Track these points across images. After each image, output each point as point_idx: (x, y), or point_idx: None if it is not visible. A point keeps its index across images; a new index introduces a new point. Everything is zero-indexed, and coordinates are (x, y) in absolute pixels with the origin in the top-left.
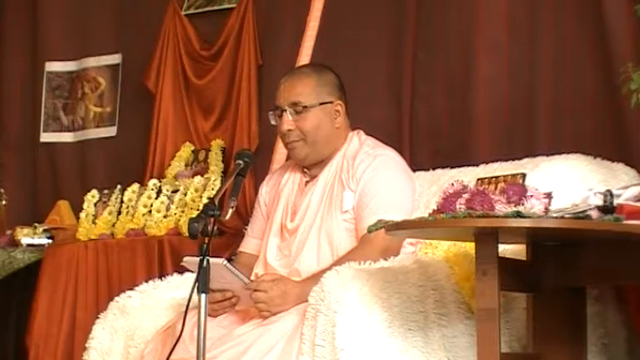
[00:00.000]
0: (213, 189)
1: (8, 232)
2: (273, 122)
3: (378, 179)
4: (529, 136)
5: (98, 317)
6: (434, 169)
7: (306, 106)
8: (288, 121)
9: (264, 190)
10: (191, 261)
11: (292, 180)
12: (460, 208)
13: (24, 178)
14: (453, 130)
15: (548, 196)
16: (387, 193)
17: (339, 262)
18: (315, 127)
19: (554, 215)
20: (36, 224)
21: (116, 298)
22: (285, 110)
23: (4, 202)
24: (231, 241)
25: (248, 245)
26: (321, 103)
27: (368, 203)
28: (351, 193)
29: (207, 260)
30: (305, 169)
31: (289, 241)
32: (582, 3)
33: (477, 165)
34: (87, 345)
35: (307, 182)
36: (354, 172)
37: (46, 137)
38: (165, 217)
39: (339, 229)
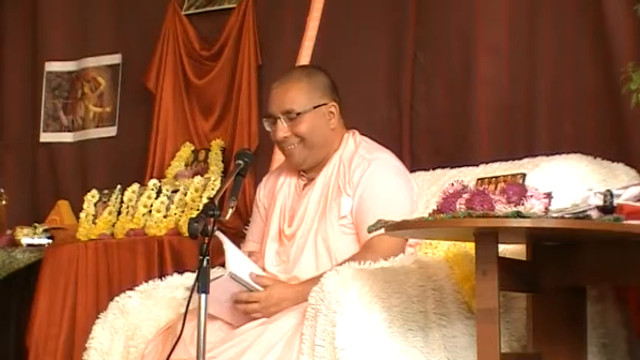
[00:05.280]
0: (213, 189)
1: (8, 232)
2: (267, 129)
3: (376, 185)
4: (529, 136)
5: (98, 317)
6: (434, 169)
7: (299, 113)
8: (282, 128)
9: (262, 193)
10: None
11: (288, 183)
12: (460, 208)
13: (24, 178)
14: (453, 130)
15: (548, 196)
16: (386, 199)
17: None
18: (310, 131)
19: (554, 215)
20: (36, 224)
21: (116, 298)
22: (279, 118)
23: (4, 202)
24: (231, 241)
25: (248, 249)
26: (315, 107)
27: (368, 210)
28: (348, 198)
29: (207, 260)
30: (302, 172)
31: (287, 247)
32: (582, 3)
33: (477, 165)
34: (87, 345)
35: (305, 185)
36: (351, 177)
37: (45, 137)
38: (165, 217)
39: (337, 234)
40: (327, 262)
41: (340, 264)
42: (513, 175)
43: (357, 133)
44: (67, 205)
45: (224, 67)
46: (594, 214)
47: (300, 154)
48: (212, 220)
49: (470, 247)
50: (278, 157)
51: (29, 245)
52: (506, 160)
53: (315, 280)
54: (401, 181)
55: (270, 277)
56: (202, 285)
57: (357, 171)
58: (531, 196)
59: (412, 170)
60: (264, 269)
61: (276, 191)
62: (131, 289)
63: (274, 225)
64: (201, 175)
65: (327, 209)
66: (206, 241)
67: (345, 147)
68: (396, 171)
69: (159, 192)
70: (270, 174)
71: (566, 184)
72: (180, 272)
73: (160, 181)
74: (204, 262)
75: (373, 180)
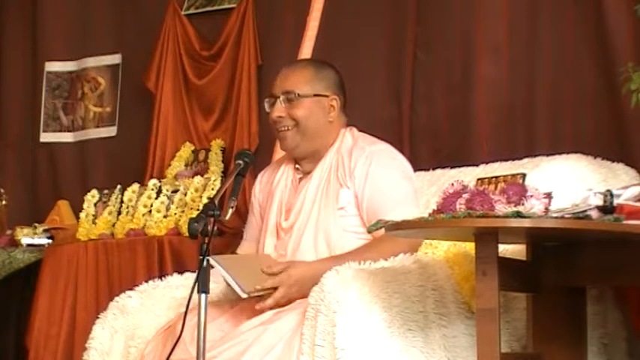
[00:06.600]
0: (213, 189)
1: (8, 232)
2: (267, 110)
3: (383, 178)
4: (529, 136)
5: (98, 317)
6: (434, 169)
7: (299, 95)
8: (279, 108)
9: (257, 188)
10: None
11: (285, 177)
12: (460, 208)
13: (24, 178)
14: (453, 130)
15: (548, 196)
16: (396, 189)
17: (367, 247)
18: (306, 116)
19: (554, 215)
20: (36, 224)
21: (116, 298)
22: (279, 97)
23: (4, 202)
24: (231, 241)
25: (244, 249)
26: (316, 95)
27: (381, 203)
28: (347, 191)
29: (207, 260)
30: (297, 166)
31: (285, 240)
32: (582, 3)
33: (477, 165)
34: (87, 345)
35: (301, 179)
36: (352, 170)
37: (46, 137)
38: (165, 217)
39: (336, 226)
40: (326, 254)
41: (366, 245)
42: (513, 175)
43: (354, 129)
44: (67, 205)
45: (224, 67)
46: (594, 214)
47: (292, 138)
48: (212, 220)
49: (470, 247)
50: (278, 157)
51: (29, 245)
52: (506, 160)
53: (334, 259)
54: (404, 170)
55: (280, 262)
56: (202, 285)
57: (359, 165)
58: (531, 196)
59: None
60: None
61: (273, 186)
62: (131, 289)
63: (272, 220)
64: (201, 175)
65: (327, 201)
66: (206, 241)
67: (342, 141)
68: (397, 160)
69: (159, 192)
70: (266, 170)
71: (566, 184)
72: (180, 272)
73: (160, 181)
74: (204, 262)
75: (379, 173)
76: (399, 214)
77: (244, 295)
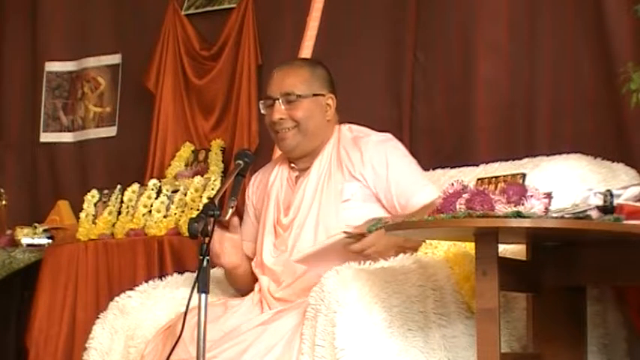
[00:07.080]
0: (213, 189)
1: (8, 232)
2: (263, 111)
3: (400, 162)
4: (529, 136)
5: (98, 317)
6: (434, 169)
7: (299, 95)
8: (279, 110)
9: (251, 190)
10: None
11: (280, 177)
12: (460, 208)
13: (24, 178)
14: (453, 130)
15: (548, 196)
16: (414, 170)
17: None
18: (306, 117)
19: (554, 215)
20: (36, 224)
21: (116, 298)
22: (277, 99)
23: (4, 202)
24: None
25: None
26: (314, 95)
27: (409, 185)
28: (354, 183)
29: (207, 260)
30: (292, 164)
31: (284, 237)
32: (582, 3)
33: (477, 165)
34: (87, 345)
35: (297, 177)
36: (366, 161)
37: (45, 137)
38: (165, 217)
39: (339, 219)
40: None
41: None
42: (513, 175)
43: (348, 124)
44: (67, 205)
45: (224, 67)
46: (594, 214)
47: (293, 138)
48: (212, 220)
49: (470, 247)
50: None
51: (29, 245)
52: (506, 160)
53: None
54: (405, 150)
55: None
56: (202, 285)
57: (374, 154)
58: (531, 196)
59: None
60: (261, 263)
61: (269, 187)
62: (131, 289)
63: (269, 219)
64: (201, 175)
65: (328, 195)
66: (206, 241)
67: (339, 136)
68: (399, 144)
69: (159, 192)
70: (259, 172)
71: (566, 184)
72: (181, 272)
73: (160, 181)
74: (204, 262)
75: (396, 159)
76: (427, 190)
77: (343, 235)
